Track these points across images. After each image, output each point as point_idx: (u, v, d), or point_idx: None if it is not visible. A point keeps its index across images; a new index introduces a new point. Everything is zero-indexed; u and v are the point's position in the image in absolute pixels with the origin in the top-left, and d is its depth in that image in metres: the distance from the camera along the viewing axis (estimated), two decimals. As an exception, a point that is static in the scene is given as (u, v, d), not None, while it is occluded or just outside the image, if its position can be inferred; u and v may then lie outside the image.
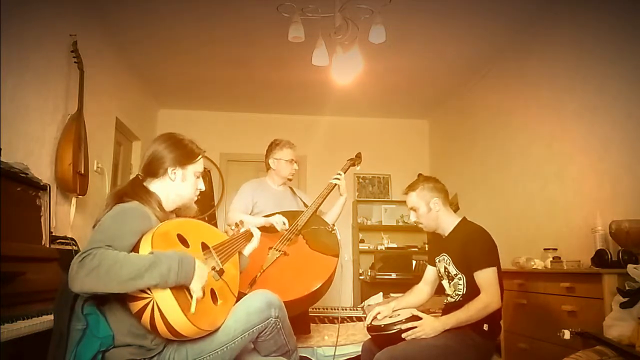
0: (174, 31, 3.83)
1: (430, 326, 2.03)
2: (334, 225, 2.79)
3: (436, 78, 4.81)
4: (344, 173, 3.10)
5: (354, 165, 3.27)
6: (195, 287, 1.49)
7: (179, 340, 1.55)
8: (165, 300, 1.42)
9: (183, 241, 1.61)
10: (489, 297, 2.04)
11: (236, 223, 2.07)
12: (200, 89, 5.20)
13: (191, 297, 1.49)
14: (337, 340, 2.74)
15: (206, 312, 1.55)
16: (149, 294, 1.41)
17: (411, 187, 2.33)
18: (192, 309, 1.47)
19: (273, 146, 3.11)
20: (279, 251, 2.64)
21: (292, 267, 2.58)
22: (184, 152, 1.76)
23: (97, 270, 1.33)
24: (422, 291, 2.46)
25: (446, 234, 2.31)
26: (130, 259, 1.39)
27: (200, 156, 1.81)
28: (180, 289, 1.47)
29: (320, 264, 2.63)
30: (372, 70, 4.21)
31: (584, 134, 3.14)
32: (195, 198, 1.83)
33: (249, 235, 2.00)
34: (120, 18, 3.64)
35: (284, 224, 2.71)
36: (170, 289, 1.42)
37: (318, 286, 2.52)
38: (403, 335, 2.04)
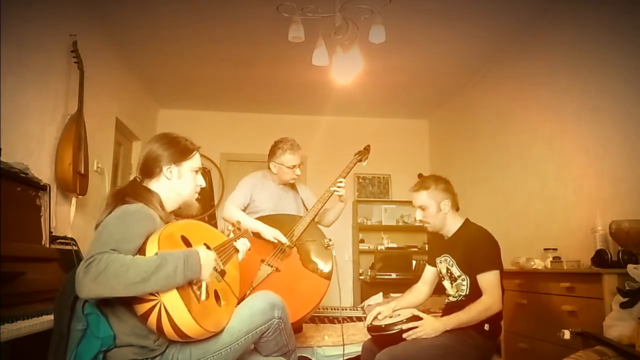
0: (174, 31, 3.83)
1: (431, 326, 2.03)
2: (330, 240, 2.69)
3: (436, 78, 4.81)
4: (350, 170, 2.98)
5: (361, 160, 3.11)
6: (205, 276, 1.50)
7: (183, 341, 1.55)
8: (172, 302, 1.42)
9: (187, 242, 1.62)
10: (490, 300, 2.04)
11: (233, 223, 2.07)
12: (200, 89, 5.20)
13: (197, 297, 1.50)
14: (343, 340, 2.72)
15: (211, 313, 1.56)
16: (156, 296, 1.42)
17: (422, 186, 2.28)
18: (203, 296, 1.49)
19: (275, 149, 2.94)
20: (271, 267, 2.58)
21: (282, 287, 2.48)
22: (178, 149, 1.74)
23: (104, 275, 1.33)
24: (420, 291, 2.46)
25: (449, 235, 2.30)
26: (136, 262, 1.38)
27: (195, 151, 1.79)
28: (187, 290, 1.47)
29: (311, 286, 2.55)
30: (372, 70, 4.21)
31: (584, 134, 3.14)
32: (196, 195, 1.81)
33: (247, 235, 2.01)
34: (121, 18, 3.64)
35: (276, 239, 2.64)
36: (178, 290, 1.43)
37: (305, 313, 2.49)
38: (404, 335, 2.04)
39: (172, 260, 1.42)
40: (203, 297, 1.50)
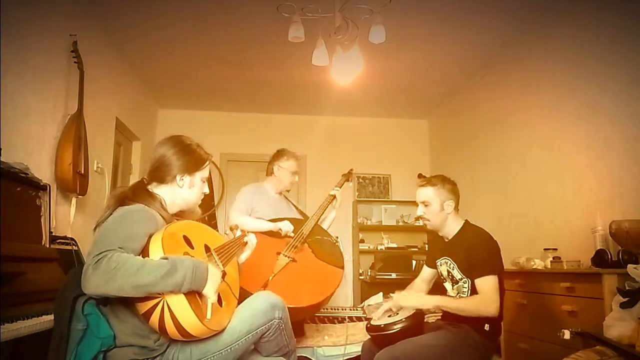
0: (174, 31, 3.83)
1: (403, 297, 2.15)
2: (337, 237, 2.89)
3: (436, 78, 4.81)
4: (341, 187, 3.21)
5: (348, 180, 3.39)
6: (209, 293, 1.51)
7: (184, 341, 1.55)
8: (176, 301, 1.42)
9: (188, 242, 1.62)
10: (484, 302, 2.02)
11: (231, 227, 2.07)
12: (200, 89, 5.20)
13: (201, 298, 1.50)
14: (346, 340, 2.78)
15: (214, 312, 1.56)
16: (159, 295, 1.42)
17: (429, 182, 2.29)
18: (208, 315, 1.49)
19: (280, 155, 3.17)
20: (288, 257, 2.68)
21: (300, 274, 2.63)
22: (192, 159, 1.76)
23: (113, 274, 1.33)
24: (420, 288, 2.49)
25: (449, 237, 2.30)
26: (147, 265, 1.39)
27: (207, 162, 1.82)
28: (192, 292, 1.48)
29: (328, 274, 2.69)
30: (372, 70, 4.21)
31: (584, 134, 3.14)
32: (200, 202, 1.84)
33: (244, 241, 1.99)
34: (120, 18, 3.64)
35: (291, 230, 2.79)
36: None
37: (325, 297, 2.57)
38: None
39: (182, 268, 1.42)
40: (209, 315, 1.49)
